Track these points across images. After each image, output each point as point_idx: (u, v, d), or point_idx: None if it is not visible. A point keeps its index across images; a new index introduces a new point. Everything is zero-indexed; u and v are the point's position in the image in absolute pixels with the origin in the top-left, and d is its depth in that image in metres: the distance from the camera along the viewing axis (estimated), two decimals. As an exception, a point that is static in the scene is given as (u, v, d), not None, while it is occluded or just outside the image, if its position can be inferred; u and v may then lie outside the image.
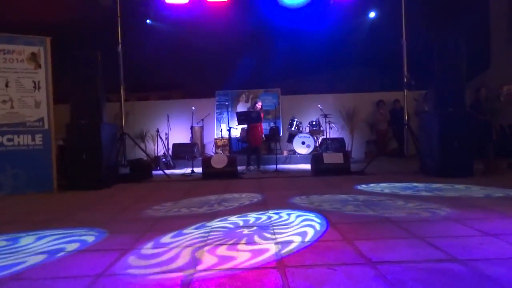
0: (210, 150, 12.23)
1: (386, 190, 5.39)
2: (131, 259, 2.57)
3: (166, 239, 3.07)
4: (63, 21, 8.92)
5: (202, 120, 11.51)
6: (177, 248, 2.78)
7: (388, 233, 3.08)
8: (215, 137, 12.26)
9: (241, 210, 4.24)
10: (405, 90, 8.21)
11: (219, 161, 7.69)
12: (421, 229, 3.11)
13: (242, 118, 8.96)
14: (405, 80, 8.06)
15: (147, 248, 2.82)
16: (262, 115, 9.26)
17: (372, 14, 10.91)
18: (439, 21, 10.99)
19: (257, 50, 13.66)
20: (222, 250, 2.70)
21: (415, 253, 2.51)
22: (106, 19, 8.33)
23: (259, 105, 9.40)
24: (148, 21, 9.50)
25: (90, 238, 3.19)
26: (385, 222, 3.45)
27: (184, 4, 8.85)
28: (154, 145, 11.85)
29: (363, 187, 5.77)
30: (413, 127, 8.38)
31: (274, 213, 3.97)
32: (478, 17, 11.09)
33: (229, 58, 14.06)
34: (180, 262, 2.48)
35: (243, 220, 3.69)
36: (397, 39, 8.32)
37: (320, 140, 11.36)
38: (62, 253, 2.78)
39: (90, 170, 6.48)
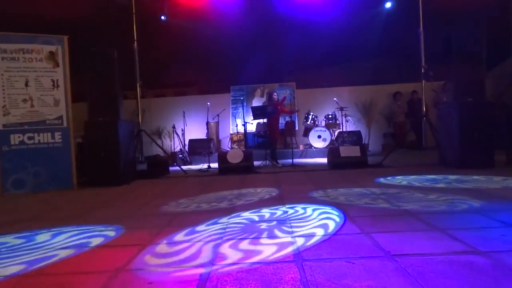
0: (226, 145, 12.28)
1: (405, 183, 5.32)
2: (150, 254, 2.61)
3: (183, 234, 3.10)
4: (79, 19, 9.06)
5: (218, 115, 11.55)
6: (198, 243, 2.80)
7: (407, 226, 3.04)
8: (231, 132, 12.29)
9: (259, 204, 4.24)
10: (423, 81, 8.06)
11: (235, 156, 7.71)
12: (441, 221, 3.06)
13: (257, 112, 8.95)
14: (423, 70, 7.91)
15: (165, 244, 2.86)
16: (283, 108, 9.21)
17: (388, 4, 10.72)
18: (457, 10, 10.71)
19: (271, 44, 13.60)
20: (242, 245, 2.71)
21: (435, 245, 2.47)
22: (122, 16, 8.42)
23: (275, 96, 9.34)
24: (162, 17, 9.53)
25: (111, 233, 3.24)
26: (404, 214, 3.40)
27: (198, 0, 8.86)
28: (171, 141, 11.94)
29: (381, 180, 5.70)
30: (431, 118, 8.23)
31: (290, 207, 3.96)
32: (497, 5, 10.76)
33: (243, 53, 14.02)
34: (200, 256, 2.50)
35: (260, 215, 3.69)
36: (414, 29, 8.16)
37: (336, 134, 11.27)
38: (86, 248, 2.84)
39: (109, 167, 6.58)
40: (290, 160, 8.67)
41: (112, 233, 3.25)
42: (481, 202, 3.72)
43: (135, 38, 8.00)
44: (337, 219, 3.32)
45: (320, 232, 2.92)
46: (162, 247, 2.76)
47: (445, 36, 6.73)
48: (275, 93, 9.45)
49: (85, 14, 9.62)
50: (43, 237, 3.25)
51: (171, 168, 8.60)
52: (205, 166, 8.87)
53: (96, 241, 3.01)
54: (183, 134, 11.47)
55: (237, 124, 11.99)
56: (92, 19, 9.85)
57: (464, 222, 3.03)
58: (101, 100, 6.75)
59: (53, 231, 3.44)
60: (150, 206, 4.59)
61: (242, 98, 11.86)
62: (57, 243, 3.01)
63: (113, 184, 6.47)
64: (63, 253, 2.73)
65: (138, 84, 8.07)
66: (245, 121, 10.12)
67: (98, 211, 4.43)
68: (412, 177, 5.81)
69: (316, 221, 3.30)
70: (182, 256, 2.54)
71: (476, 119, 6.42)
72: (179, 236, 3.04)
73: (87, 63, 6.77)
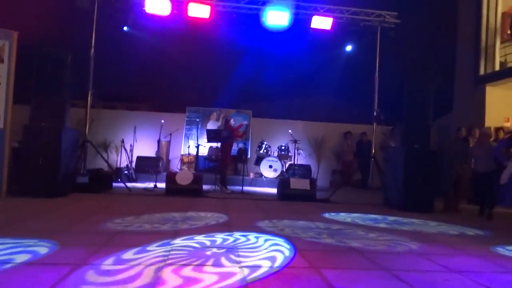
0: (175, 166, 11.93)
1: (348, 220, 5.40)
2: (85, 275, 2.36)
3: (125, 255, 2.87)
4: (35, 17, 8.57)
5: (170, 134, 11.26)
6: (138, 266, 2.59)
7: (354, 262, 3.03)
8: (182, 153, 11.99)
9: (206, 229, 4.08)
10: (374, 124, 8.41)
11: (185, 177, 7.48)
12: (386, 261, 3.09)
13: (212, 135, 8.83)
14: (375, 114, 8.28)
15: (104, 264, 2.62)
16: (236, 133, 9.13)
17: (348, 48, 11.27)
18: (411, 61, 11.53)
19: (232, 70, 13.71)
20: (186, 271, 2.55)
21: (383, 285, 2.47)
22: (82, 21, 8.10)
23: (232, 122, 9.28)
24: (125, 28, 9.27)
25: (41, 250, 2.93)
26: (350, 251, 3.41)
27: (165, 16, 8.75)
28: (118, 156, 11.40)
29: (328, 215, 5.75)
30: (378, 161, 8.56)
31: (240, 235, 3.84)
32: (445, 61, 11.72)
33: (203, 76, 14.01)
34: (140, 281, 2.30)
35: (208, 241, 3.54)
36: (370, 74, 8.59)
37: (287, 165, 11.38)
38: (8, 265, 2.52)
39: (46, 176, 6.08)
40: (240, 187, 8.57)
41: (43, 250, 2.93)
42: (422, 245, 3.83)
43: (93, 45, 7.68)
44: (286, 252, 3.25)
45: (268, 264, 2.82)
46: (99, 268, 2.52)
47: (397, 84, 7.14)
48: (232, 119, 9.41)
49: (42, 13, 9.14)
50: (-42, 247, 2.87)
51: (114, 184, 8.16)
52: (151, 185, 8.52)
53: (21, 258, 2.69)
54: (131, 150, 11.01)
55: (189, 146, 11.74)
56: (50, 19, 9.38)
57: (408, 264, 3.08)
58: (47, 104, 6.32)
59: (-28, 241, 3.05)
60: (88, 222, 4.26)
61: (198, 120, 11.71)
62: (-25, 256, 2.66)
63: (48, 195, 5.96)
64: (-19, 268, 2.40)
65: (90, 93, 7.68)
66: (198, 143, 9.95)
67: (29, 223, 4.03)
68: (355, 215, 5.92)
69: (265, 252, 3.21)
70: (122, 279, 2.33)
71: (420, 165, 6.75)
72: (118, 257, 2.81)
73: (36, 64, 6.36)
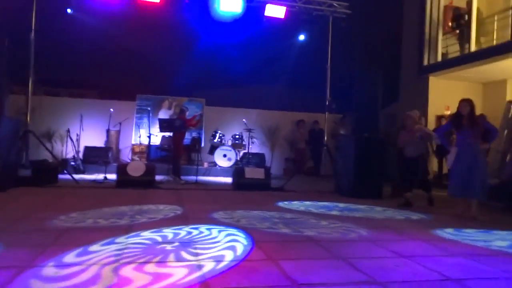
0: (126, 156, 11.52)
1: (302, 208, 5.51)
2: (31, 280, 2.22)
3: (73, 256, 2.72)
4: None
5: (120, 123, 10.81)
6: (93, 267, 2.47)
7: (311, 253, 3.10)
8: (133, 142, 11.60)
9: (160, 223, 3.98)
10: (326, 113, 8.61)
11: (136, 168, 7.25)
12: (341, 249, 3.19)
13: (164, 125, 8.61)
14: (327, 103, 8.46)
15: (50, 266, 2.46)
16: (190, 123, 8.96)
17: (301, 37, 11.38)
18: (360, 51, 11.88)
19: (184, 57, 13.36)
20: (141, 268, 2.46)
21: (339, 274, 2.55)
22: (21, 2, 7.47)
23: (187, 114, 9.08)
24: (69, 10, 8.67)
25: (-23, 252, 2.71)
26: (305, 240, 3.48)
27: (110, -1, 8.30)
28: (63, 146, 10.81)
29: (282, 204, 5.84)
30: (330, 148, 8.80)
31: (193, 228, 3.79)
32: (393, 51, 12.20)
33: (153, 62, 13.55)
34: (100, 285, 2.19)
35: (162, 236, 3.45)
36: (322, 64, 8.74)
37: (241, 154, 11.39)
38: None
39: (-17, 170, 5.64)
40: (194, 177, 8.46)
41: (-20, 252, 2.71)
42: (372, 231, 4.00)
43: (33, 28, 7.12)
44: (244, 243, 3.26)
45: (228, 257, 2.81)
46: (47, 270, 2.37)
47: (349, 73, 7.33)
48: (187, 111, 9.20)
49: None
50: None
51: (60, 176, 7.72)
52: (101, 176, 8.17)
53: (-43, 262, 2.47)
54: (78, 140, 10.47)
55: (140, 135, 11.38)
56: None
57: (361, 251, 3.20)
58: (-18, 91, 5.83)
59: None
60: (32, 219, 4.00)
61: (149, 109, 11.34)
62: None
63: (-15, 190, 5.54)
64: None
65: (30, 79, 7.14)
66: (150, 132, 9.65)
67: (-37, 223, 3.71)
68: (309, 203, 6.07)
69: (222, 244, 3.19)
70: (74, 281, 2.21)
71: (370, 153, 7.02)
72: (70, 257, 2.66)
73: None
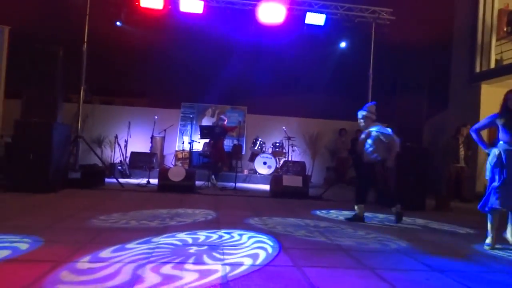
0: (169, 162, 11.93)
1: (341, 217, 5.40)
2: (64, 273, 2.36)
3: (107, 252, 2.86)
4: (27, 12, 8.51)
5: (165, 130, 11.23)
6: (118, 264, 2.59)
7: (338, 261, 3.03)
8: (176, 149, 11.99)
9: (193, 226, 4.08)
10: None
11: (177, 173, 7.47)
12: (371, 260, 3.09)
13: (205, 132, 8.83)
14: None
15: (84, 262, 2.61)
16: (230, 129, 9.20)
17: (343, 44, 11.25)
18: (405, 59, 11.52)
19: (227, 65, 13.64)
20: (167, 269, 2.54)
21: (364, 284, 2.47)
22: (74, 15, 8.04)
23: (225, 123, 9.31)
24: (118, 23, 9.21)
25: (23, 246, 2.92)
26: (336, 250, 3.41)
27: (158, 11, 8.70)
28: (112, 151, 11.39)
29: (319, 212, 5.76)
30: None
31: (225, 233, 3.84)
32: (442, 58, 11.70)
33: (198, 71, 13.95)
34: (119, 279, 2.29)
35: (193, 238, 3.53)
36: (364, 71, 8.57)
37: (282, 162, 11.38)
38: (-14, 261, 2.52)
39: (37, 172, 6.07)
40: (233, 184, 8.57)
41: (24, 246, 2.92)
42: (408, 243, 3.83)
43: (85, 40, 7.63)
44: (270, 249, 3.25)
45: (251, 262, 2.82)
46: (79, 266, 2.51)
47: (391, 81, 7.12)
48: (226, 119, 9.43)
49: (35, 8, 9.08)
50: None
51: (107, 180, 8.15)
52: (144, 181, 8.51)
53: (2, 254, 2.68)
54: (125, 146, 10.99)
55: (183, 142, 11.74)
56: (42, 13, 9.31)
57: (392, 262, 3.08)
58: (38, 99, 6.30)
59: (-45, 237, 3.04)
60: (76, 218, 4.25)
61: (192, 116, 11.69)
62: (-45, 252, 2.65)
63: (39, 191, 5.95)
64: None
65: (82, 88, 7.64)
66: (192, 139, 9.93)
67: (16, 219, 4.02)
68: (346, 212, 5.92)
69: (249, 249, 3.21)
70: (97, 276, 2.32)
71: (412, 163, 6.75)
72: (102, 254, 2.80)
73: (27, 59, 6.33)
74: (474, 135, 4.32)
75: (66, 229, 3.68)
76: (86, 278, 2.30)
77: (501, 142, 3.97)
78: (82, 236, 3.37)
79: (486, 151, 4.20)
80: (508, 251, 3.75)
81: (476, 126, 4.32)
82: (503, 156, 3.87)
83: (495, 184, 3.86)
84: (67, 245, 3.00)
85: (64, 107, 7.10)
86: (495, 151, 3.99)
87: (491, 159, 4.02)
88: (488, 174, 4.07)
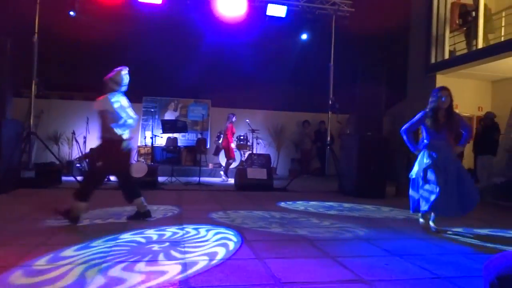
0: (131, 157, 11.59)
1: (303, 208, 5.44)
2: (12, 277, 2.21)
3: (63, 253, 2.72)
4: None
5: (126, 125, 10.88)
6: (67, 266, 2.45)
7: (301, 252, 3.04)
8: (138, 144, 11.67)
9: (156, 223, 3.96)
10: (329, 112, 8.51)
11: (139, 169, 7.26)
12: (333, 248, 3.12)
13: (167, 126, 8.63)
14: (330, 102, 8.37)
15: (35, 265, 2.46)
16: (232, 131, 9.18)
17: (304, 36, 11.30)
18: (364, 50, 11.76)
19: (189, 58, 13.37)
20: (124, 268, 2.44)
21: (325, 273, 2.49)
22: (24, 4, 7.56)
23: (234, 119, 9.40)
24: (72, 13, 8.73)
25: (-34, 251, 2.72)
26: (300, 240, 3.42)
27: (115, 0, 8.33)
28: (70, 148, 10.92)
29: (282, 204, 5.77)
30: (337, 149, 8.70)
31: (188, 228, 3.76)
32: (399, 50, 12.03)
33: (159, 64, 13.57)
34: (63, 283, 2.17)
35: (158, 234, 3.43)
36: (325, 63, 8.66)
37: (246, 155, 11.35)
38: None
39: (-15, 172, 5.70)
40: (197, 178, 8.44)
41: (-32, 251, 2.72)
42: (370, 231, 3.91)
43: (36, 31, 7.20)
44: (233, 243, 3.21)
45: (212, 257, 2.77)
46: (29, 270, 2.36)
47: (352, 72, 7.24)
48: (234, 117, 9.47)
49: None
50: None
51: (65, 178, 7.79)
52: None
53: None
54: (84, 142, 10.56)
55: (145, 137, 11.44)
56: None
57: (353, 250, 3.13)
58: (-15, 94, 5.90)
59: None
60: (29, 219, 4.03)
61: (153, 110, 11.40)
62: None
63: (-12, 192, 5.59)
64: None
65: (34, 82, 7.21)
66: (154, 134, 9.68)
67: (-41, 223, 3.74)
68: (312, 203, 5.98)
69: (211, 244, 3.15)
70: (46, 279, 2.19)
71: (373, 152, 6.90)
72: (56, 256, 2.65)
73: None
74: (404, 136, 4.15)
75: (17, 230, 3.47)
76: (33, 280, 2.16)
77: (425, 141, 3.98)
78: (36, 237, 3.19)
79: (415, 152, 4.11)
80: (464, 235, 3.91)
81: (406, 126, 4.16)
82: (436, 159, 3.84)
83: (428, 187, 3.83)
84: (17, 248, 2.83)
85: (13, 102, 6.68)
86: (425, 153, 3.95)
87: (421, 160, 3.96)
88: (413, 174, 4.03)
